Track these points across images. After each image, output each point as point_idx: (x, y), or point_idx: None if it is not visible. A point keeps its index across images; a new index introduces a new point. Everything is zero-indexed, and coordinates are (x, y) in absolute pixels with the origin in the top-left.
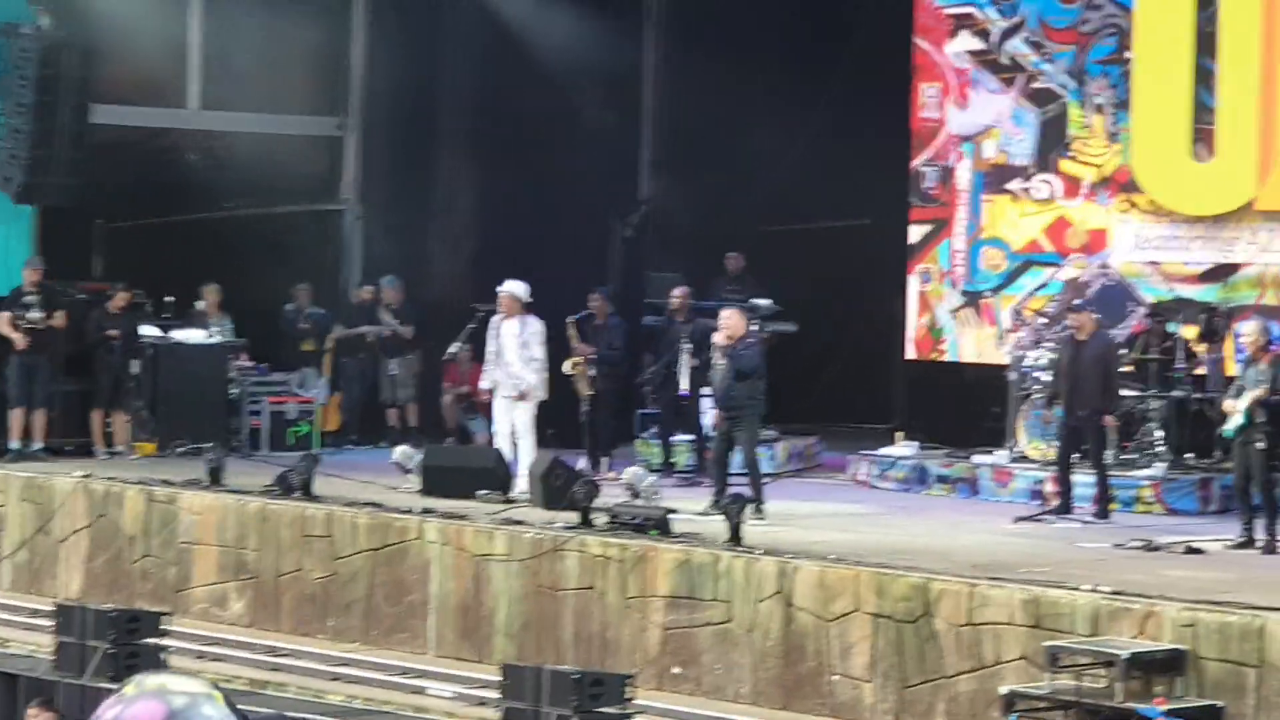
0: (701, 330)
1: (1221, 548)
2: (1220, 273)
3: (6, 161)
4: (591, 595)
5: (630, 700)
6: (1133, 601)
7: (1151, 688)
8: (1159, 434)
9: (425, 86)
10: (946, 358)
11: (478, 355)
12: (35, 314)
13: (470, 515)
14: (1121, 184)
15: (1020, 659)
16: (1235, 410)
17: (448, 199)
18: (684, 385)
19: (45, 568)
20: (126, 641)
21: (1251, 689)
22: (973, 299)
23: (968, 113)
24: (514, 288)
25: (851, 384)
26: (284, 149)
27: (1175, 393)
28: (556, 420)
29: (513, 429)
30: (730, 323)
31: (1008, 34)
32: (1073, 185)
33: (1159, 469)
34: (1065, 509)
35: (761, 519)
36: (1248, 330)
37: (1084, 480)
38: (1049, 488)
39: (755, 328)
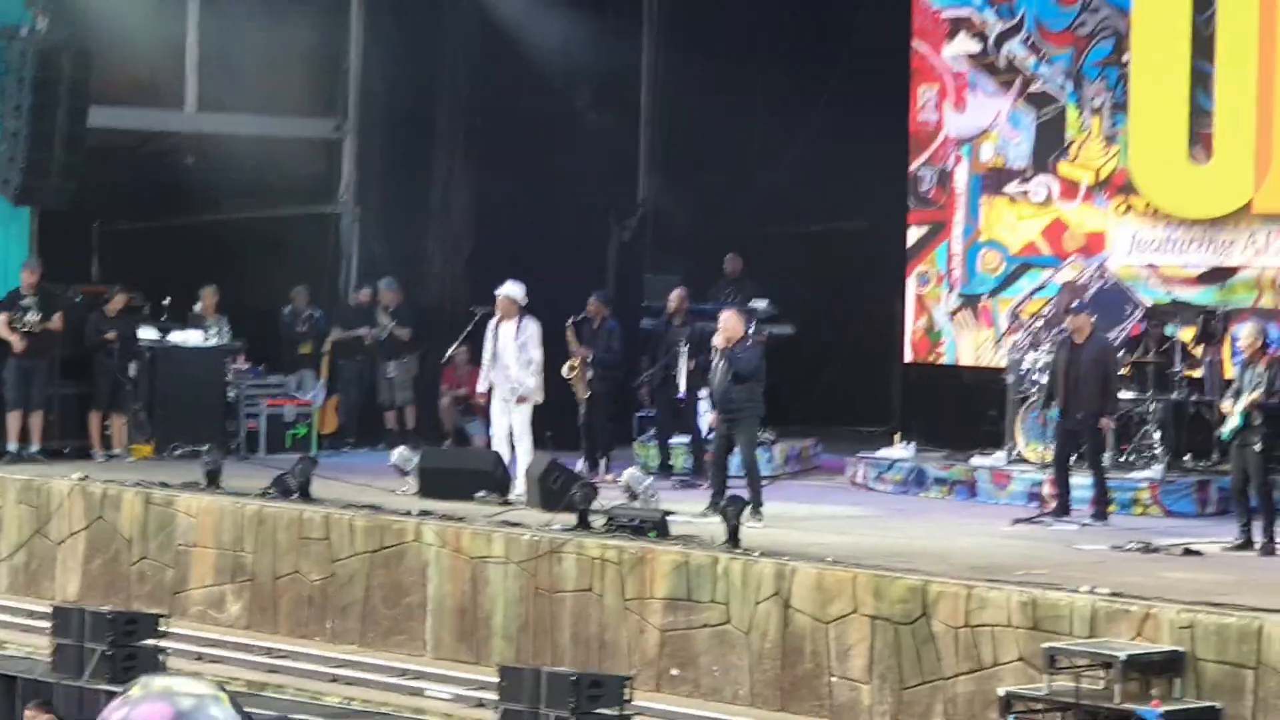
0: (699, 332)
1: (1219, 550)
2: (1217, 275)
3: (4, 164)
4: (589, 597)
5: (628, 702)
6: (1131, 603)
7: (1149, 689)
8: (1157, 436)
9: (423, 88)
10: (944, 360)
11: (475, 357)
12: (33, 316)
13: (468, 517)
14: (1119, 186)
15: (1018, 661)
16: (1232, 413)
17: (445, 201)
18: (682, 387)
19: (43, 570)
20: (124, 643)
21: (1249, 690)
22: (970, 301)
23: (965, 115)
24: (512, 290)
25: (850, 386)
26: (281, 151)
27: (1173, 395)
28: (554, 423)
29: (510, 431)
30: (729, 325)
31: (1005, 36)
32: (1070, 188)
33: (1157, 471)
34: (1063, 511)
35: (759, 521)
36: (1245, 333)
37: (1082, 482)
38: (1047, 490)
39: (752, 329)
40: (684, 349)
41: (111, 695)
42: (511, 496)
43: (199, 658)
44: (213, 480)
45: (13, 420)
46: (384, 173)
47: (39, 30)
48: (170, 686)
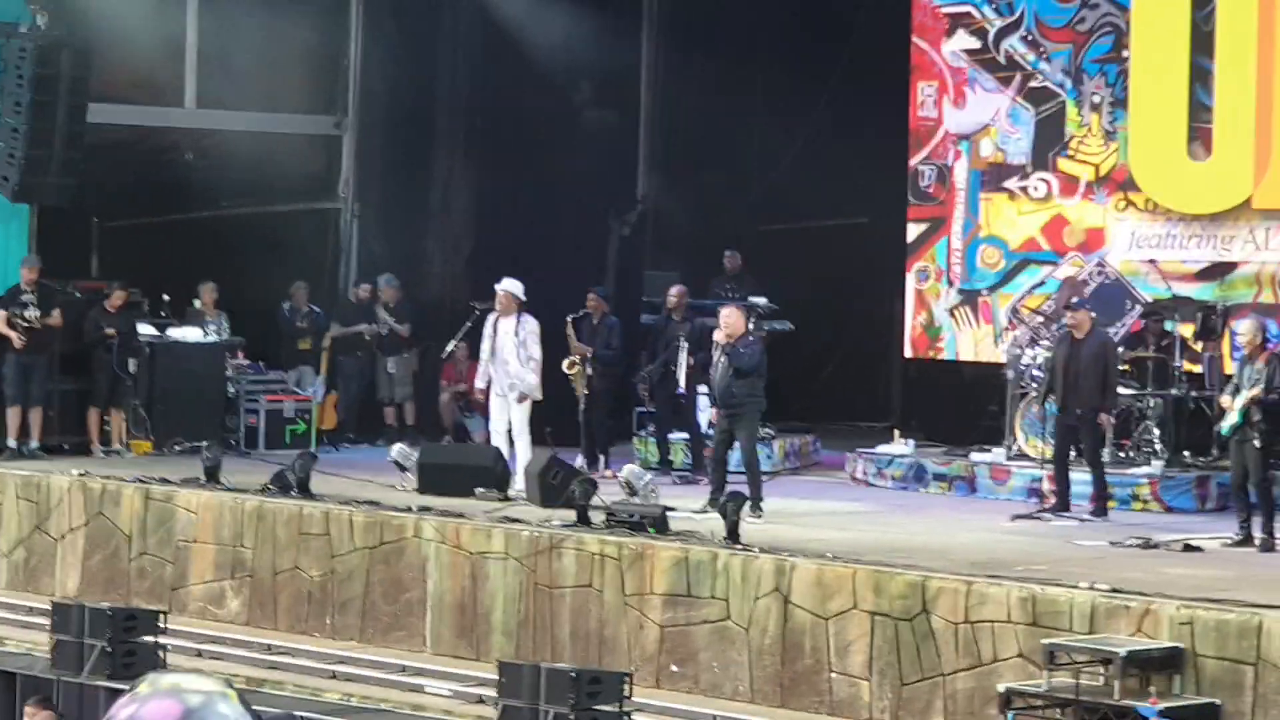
0: (699, 329)
1: (1219, 546)
2: (1217, 271)
3: (3, 161)
4: (589, 593)
5: (628, 698)
6: (1130, 599)
7: (1149, 686)
8: (1156, 432)
9: (422, 85)
10: (944, 356)
11: (475, 353)
12: (32, 313)
13: (467, 513)
14: (1119, 182)
15: (1018, 657)
16: (1231, 409)
17: (445, 198)
18: (682, 384)
19: (42, 566)
20: (124, 640)
21: (1249, 687)
22: (970, 297)
23: (965, 111)
24: (512, 286)
25: (849, 382)
26: (281, 148)
27: (1173, 391)
28: (554, 419)
29: (509, 427)
30: (730, 321)
31: (1005, 33)
32: (1070, 184)
33: (1156, 467)
34: (1063, 507)
35: (759, 517)
36: (1244, 329)
37: (1081, 478)
38: (1046, 486)
39: (753, 325)
40: (684, 345)
41: (111, 692)
42: (511, 492)
43: (198, 654)
44: (212, 476)
45: (12, 416)
46: (384, 170)
47: (38, 27)
48: (178, 683)
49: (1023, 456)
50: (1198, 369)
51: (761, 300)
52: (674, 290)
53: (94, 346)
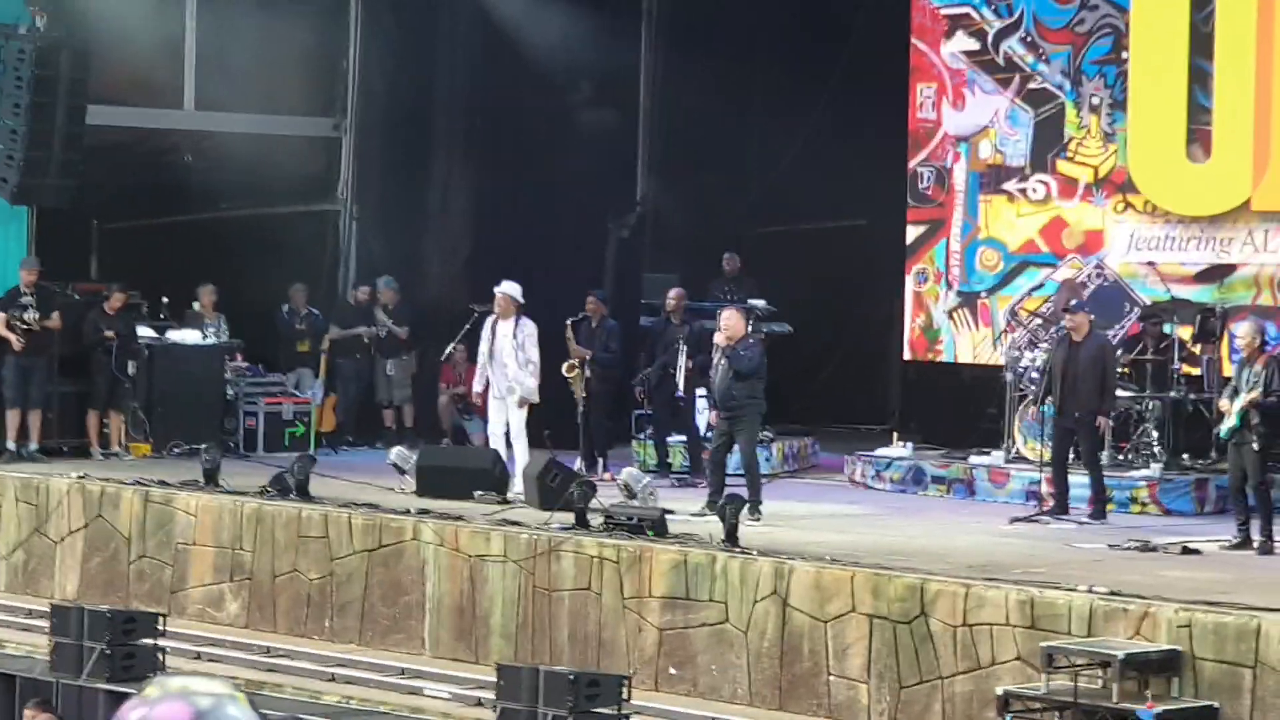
0: (697, 332)
1: (1218, 548)
2: (1216, 273)
3: (2, 163)
4: (587, 596)
5: (626, 701)
6: (1129, 602)
7: (1147, 688)
8: (1155, 435)
9: (421, 87)
10: (943, 358)
11: (474, 356)
12: (31, 315)
13: (466, 516)
14: (1118, 184)
15: (1016, 660)
16: (1230, 412)
17: (444, 200)
18: (681, 386)
19: (41, 568)
20: (123, 642)
21: (1247, 689)
22: (969, 299)
23: (964, 113)
24: (510, 289)
25: (848, 384)
26: (280, 150)
27: (1171, 393)
28: (553, 422)
29: (507, 430)
30: (730, 323)
31: (1004, 34)
32: (1069, 186)
33: (1155, 470)
34: (1061, 510)
35: (757, 520)
36: (1243, 331)
37: (1080, 481)
38: (1045, 488)
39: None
40: (682, 348)
41: (110, 694)
42: (510, 495)
43: (198, 656)
44: (211, 479)
45: (11, 419)
46: (382, 171)
47: (38, 28)
48: (187, 686)
49: (1021, 459)
50: (1196, 371)
51: (760, 302)
52: (673, 293)
53: (93, 349)
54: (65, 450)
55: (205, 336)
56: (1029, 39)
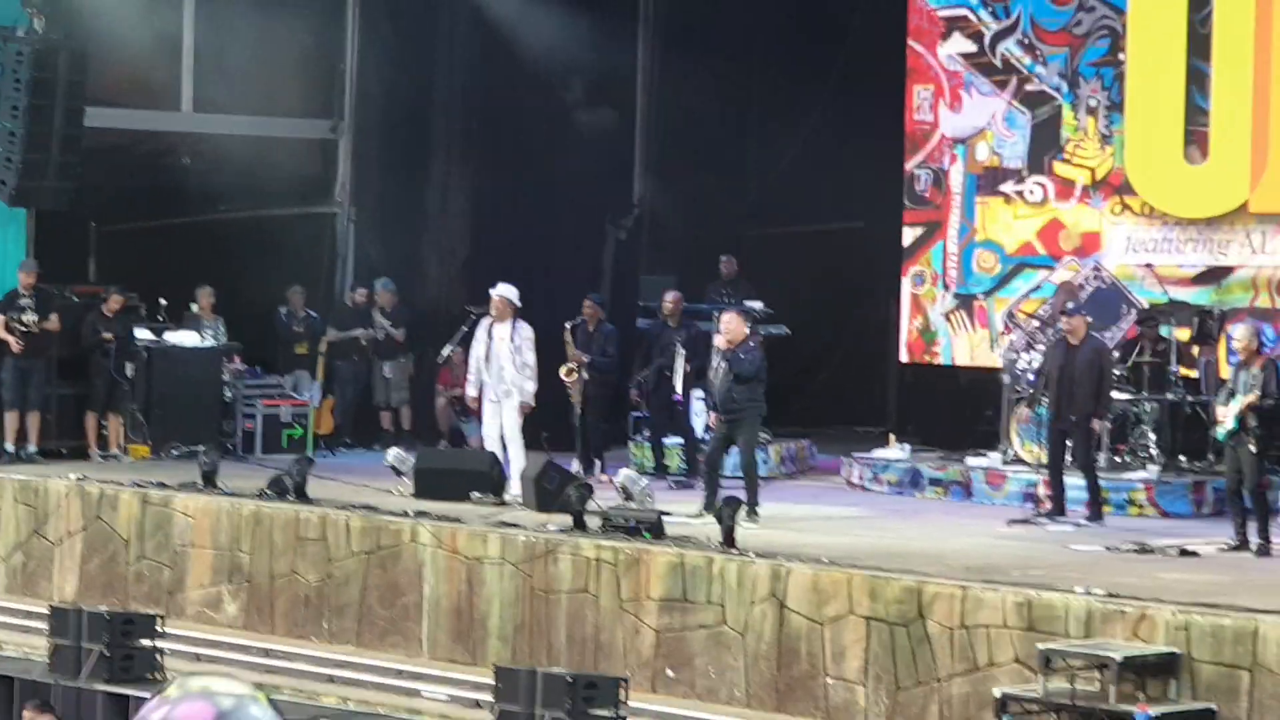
0: (694, 334)
1: (1215, 550)
2: (1214, 275)
3: (0, 165)
4: (585, 598)
5: (623, 703)
6: (1126, 604)
7: (1145, 691)
8: (1152, 437)
9: (419, 89)
10: (940, 360)
11: None
12: (30, 317)
13: (464, 518)
14: (1115, 186)
15: (1014, 662)
16: (1226, 415)
17: (441, 202)
18: (679, 389)
19: (40, 570)
20: (121, 644)
21: (1245, 692)
22: (966, 302)
23: (961, 115)
24: (507, 291)
25: (845, 386)
26: (277, 152)
27: (1169, 395)
28: (550, 424)
29: (501, 432)
30: (731, 327)
31: (1001, 36)
32: (1066, 188)
33: (1152, 472)
34: (1058, 512)
35: (755, 522)
36: (1240, 334)
37: (1077, 483)
38: (1042, 491)
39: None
40: (680, 352)
41: (109, 695)
42: (507, 497)
43: (196, 658)
44: (209, 481)
45: (10, 421)
46: (380, 173)
47: (35, 31)
48: (208, 686)
49: (1018, 461)
50: (1194, 374)
51: (757, 305)
52: (669, 297)
53: (91, 351)
54: (64, 452)
55: (203, 339)
56: (1026, 41)
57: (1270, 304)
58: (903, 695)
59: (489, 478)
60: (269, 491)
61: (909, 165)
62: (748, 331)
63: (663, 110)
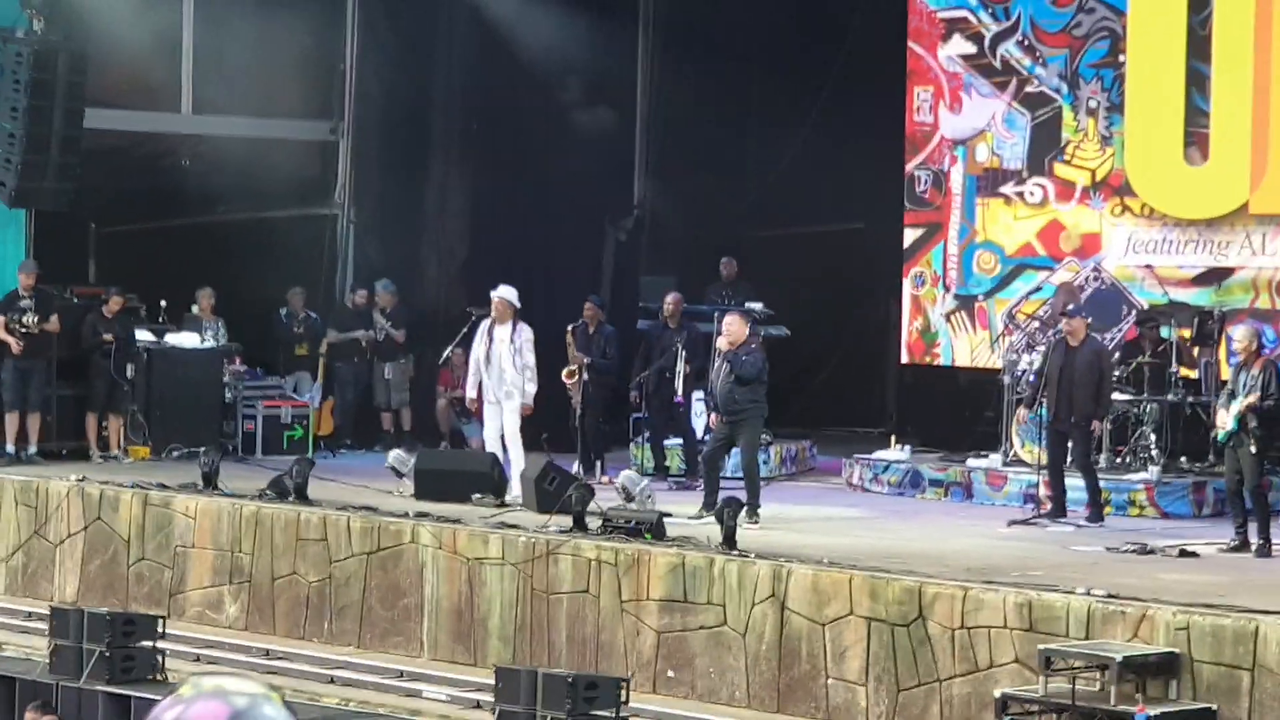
0: (694, 336)
1: (1215, 551)
2: (1214, 276)
3: (0, 166)
4: (585, 598)
5: (624, 703)
6: (1127, 605)
7: (1145, 691)
8: (1153, 438)
9: (418, 91)
10: (940, 361)
11: None
12: (30, 318)
13: (464, 519)
14: (1115, 187)
15: (1014, 662)
16: (1226, 417)
17: (441, 203)
18: (679, 391)
19: (41, 571)
20: (122, 644)
21: (1245, 692)
22: (966, 303)
23: (961, 116)
24: (507, 293)
25: (845, 388)
26: (277, 153)
27: (1169, 396)
28: (550, 426)
29: (502, 433)
30: (733, 328)
31: (1001, 38)
32: (1066, 189)
33: (1153, 473)
34: (1059, 512)
35: (755, 523)
36: (1240, 335)
37: (1077, 484)
38: (1042, 491)
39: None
40: (681, 353)
41: (109, 696)
42: (508, 498)
43: (197, 659)
44: (210, 481)
45: (10, 422)
46: (379, 175)
47: (35, 31)
48: (222, 685)
49: (1019, 462)
50: (1194, 374)
51: (757, 306)
52: (670, 298)
53: (91, 352)
54: (64, 453)
55: (203, 340)
56: (1026, 42)
57: (1270, 305)
58: (903, 696)
59: (489, 479)
60: (269, 492)
61: (909, 166)
62: (749, 333)
63: (662, 111)
